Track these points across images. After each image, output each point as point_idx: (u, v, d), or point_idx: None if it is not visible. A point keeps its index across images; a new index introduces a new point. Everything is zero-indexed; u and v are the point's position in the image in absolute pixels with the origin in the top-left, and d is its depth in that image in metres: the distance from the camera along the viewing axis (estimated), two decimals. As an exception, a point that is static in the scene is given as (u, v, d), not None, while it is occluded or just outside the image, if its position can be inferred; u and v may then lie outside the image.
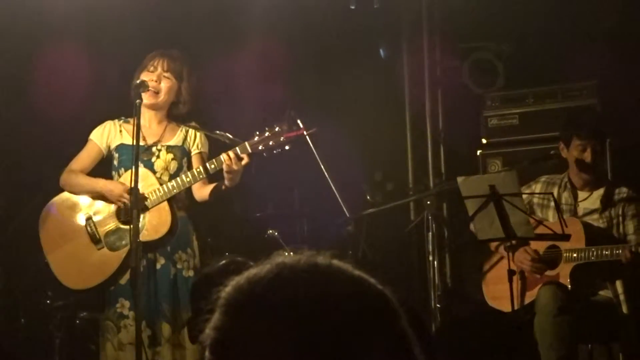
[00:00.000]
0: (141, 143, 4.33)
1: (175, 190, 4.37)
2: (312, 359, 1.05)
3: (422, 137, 6.46)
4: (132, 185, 4.07)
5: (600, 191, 4.76)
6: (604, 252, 4.49)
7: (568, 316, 4.42)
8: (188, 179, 4.38)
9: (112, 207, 4.49)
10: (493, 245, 4.85)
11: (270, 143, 4.30)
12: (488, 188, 4.40)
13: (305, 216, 5.96)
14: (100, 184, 4.49)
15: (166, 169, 4.50)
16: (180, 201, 4.50)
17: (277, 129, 4.32)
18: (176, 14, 5.96)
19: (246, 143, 4.31)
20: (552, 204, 4.75)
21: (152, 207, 4.37)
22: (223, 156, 4.30)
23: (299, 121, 4.61)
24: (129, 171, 4.25)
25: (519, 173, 4.57)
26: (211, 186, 4.47)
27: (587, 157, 4.70)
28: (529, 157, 5.31)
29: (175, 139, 4.56)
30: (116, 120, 4.60)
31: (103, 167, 4.59)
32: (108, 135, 4.56)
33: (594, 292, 4.67)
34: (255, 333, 1.07)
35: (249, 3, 5.89)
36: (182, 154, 4.54)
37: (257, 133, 4.33)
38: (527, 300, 4.66)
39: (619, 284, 4.63)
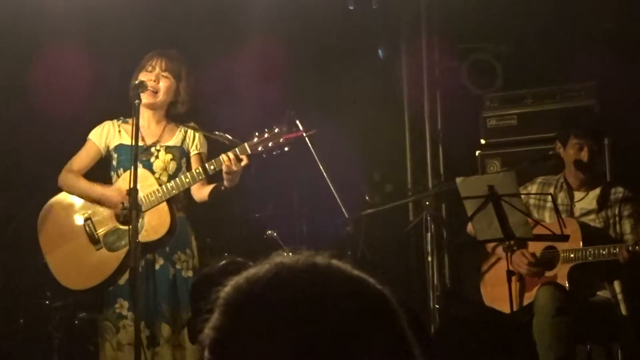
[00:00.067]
0: (140, 143, 4.32)
1: (174, 191, 4.37)
2: (311, 358, 1.05)
3: (421, 137, 6.47)
4: (131, 185, 4.07)
5: (597, 191, 4.77)
6: (601, 251, 4.49)
7: (566, 317, 4.42)
8: (187, 180, 4.38)
9: (111, 208, 4.50)
10: (489, 246, 4.86)
11: (270, 144, 4.30)
12: (487, 189, 4.40)
13: (304, 217, 5.96)
14: (98, 192, 4.47)
15: (165, 169, 4.50)
16: (179, 202, 4.50)
17: (276, 130, 4.31)
18: (176, 14, 5.96)
19: (245, 144, 4.31)
20: (549, 204, 4.76)
21: (151, 208, 4.36)
22: (222, 157, 4.29)
23: (298, 122, 4.61)
24: (128, 171, 4.24)
25: (517, 173, 4.58)
26: (210, 187, 4.47)
27: (584, 156, 4.71)
28: (528, 158, 5.31)
29: (174, 140, 4.56)
30: (115, 121, 4.60)
31: (103, 168, 4.59)
32: (107, 135, 4.56)
33: (592, 292, 4.68)
34: (254, 333, 1.07)
35: (248, 4, 5.89)
36: (181, 154, 4.55)
37: (257, 134, 4.32)
38: (525, 302, 4.66)
39: (616, 284, 4.64)
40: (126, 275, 4.32)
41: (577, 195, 4.80)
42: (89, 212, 4.50)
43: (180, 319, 4.35)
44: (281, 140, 4.30)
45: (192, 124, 4.59)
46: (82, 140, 4.60)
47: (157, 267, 4.40)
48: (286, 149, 4.32)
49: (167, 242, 4.39)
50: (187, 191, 4.49)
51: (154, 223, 4.37)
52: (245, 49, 5.93)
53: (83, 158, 4.57)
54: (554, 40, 6.02)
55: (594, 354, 4.91)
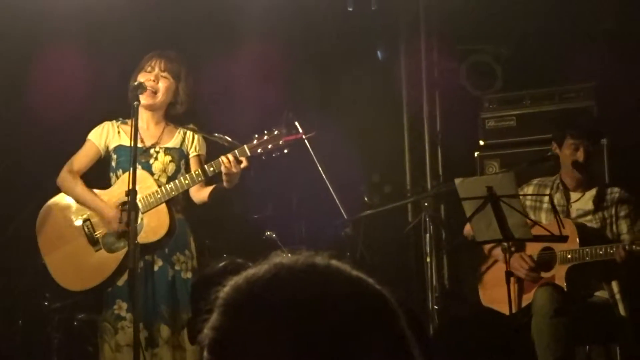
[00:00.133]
0: (139, 145, 4.32)
1: (173, 193, 4.37)
2: (311, 359, 1.05)
3: (420, 138, 6.47)
4: (130, 187, 4.06)
5: (593, 192, 4.77)
6: (598, 251, 4.50)
7: (564, 317, 4.42)
8: (186, 182, 4.38)
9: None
10: (486, 248, 4.86)
11: (269, 147, 4.29)
12: (486, 189, 4.40)
13: (303, 218, 5.96)
14: (94, 203, 4.46)
15: (164, 171, 4.50)
16: (178, 203, 4.50)
17: (275, 132, 4.30)
18: (175, 16, 5.96)
19: (245, 146, 4.30)
20: (545, 205, 4.77)
21: (150, 209, 4.36)
22: (222, 159, 4.29)
23: (297, 124, 4.61)
24: (127, 173, 4.24)
25: (516, 175, 4.58)
26: (210, 188, 4.47)
27: (580, 156, 4.71)
28: (527, 159, 5.31)
29: (173, 141, 4.56)
30: (114, 121, 4.59)
31: (103, 169, 4.59)
32: (107, 135, 4.56)
33: (590, 293, 4.68)
34: (253, 333, 1.07)
35: (247, 5, 5.89)
36: (180, 156, 4.55)
37: (256, 136, 4.32)
38: (524, 303, 4.67)
39: (614, 285, 4.64)
40: (125, 277, 4.31)
41: (574, 196, 4.80)
42: (88, 213, 4.50)
43: (179, 320, 4.35)
44: (280, 142, 4.30)
45: (191, 126, 4.59)
46: (81, 140, 4.60)
47: (156, 268, 4.40)
48: (285, 151, 4.31)
49: (166, 243, 4.39)
50: (186, 193, 4.49)
51: (153, 224, 4.37)
52: (244, 51, 5.94)
53: (82, 158, 4.57)
54: (553, 41, 6.03)
55: (593, 355, 4.92)
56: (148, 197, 4.35)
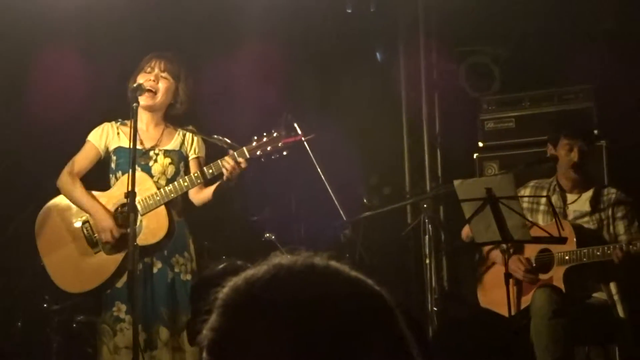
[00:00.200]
0: (138, 147, 4.32)
1: (172, 195, 4.37)
2: (310, 359, 1.05)
3: (419, 140, 6.47)
4: (129, 189, 4.06)
5: (589, 193, 4.77)
6: (595, 252, 4.51)
7: (563, 319, 4.43)
8: (185, 184, 4.37)
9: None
10: (485, 250, 4.86)
11: (269, 149, 4.29)
12: (485, 191, 4.40)
13: (302, 220, 5.96)
14: (92, 209, 4.45)
15: (163, 173, 4.50)
16: (177, 205, 4.50)
17: (275, 134, 4.30)
18: (175, 16, 5.96)
19: (244, 148, 4.30)
20: (542, 207, 4.77)
21: (149, 211, 4.36)
22: (221, 162, 4.30)
23: (296, 126, 4.61)
24: (126, 175, 4.24)
25: (515, 176, 4.58)
26: (212, 188, 4.47)
27: (574, 156, 4.71)
28: (526, 160, 5.30)
29: (173, 143, 4.56)
30: (113, 123, 4.59)
31: (102, 170, 4.59)
32: (106, 137, 4.56)
33: (589, 294, 4.69)
34: (252, 333, 1.07)
35: (247, 6, 5.89)
36: (179, 158, 4.54)
37: (255, 138, 4.31)
38: (523, 305, 4.67)
39: (612, 286, 4.64)
40: (124, 279, 4.29)
41: (570, 197, 4.81)
42: (87, 215, 4.50)
43: (179, 322, 4.34)
44: (280, 144, 4.29)
45: (190, 127, 4.58)
46: (81, 140, 4.60)
47: (155, 270, 4.40)
48: (285, 153, 4.31)
49: (165, 245, 4.39)
50: (185, 195, 4.49)
51: (152, 227, 4.36)
52: (244, 51, 5.94)
53: (83, 160, 4.56)
54: (552, 42, 6.03)
55: (591, 356, 4.92)
56: (147, 199, 4.35)
